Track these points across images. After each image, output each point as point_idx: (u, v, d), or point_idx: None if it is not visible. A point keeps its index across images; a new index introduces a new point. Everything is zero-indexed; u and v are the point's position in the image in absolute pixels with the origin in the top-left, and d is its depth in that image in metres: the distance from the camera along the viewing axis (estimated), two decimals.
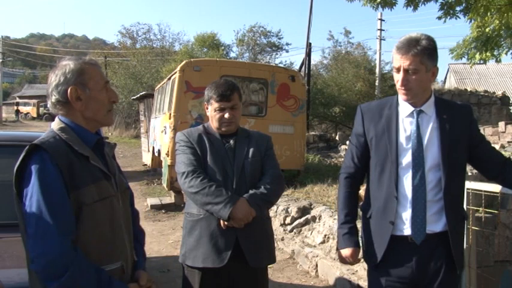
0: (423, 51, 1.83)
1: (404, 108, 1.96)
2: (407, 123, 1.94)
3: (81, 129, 1.52)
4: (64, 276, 1.31)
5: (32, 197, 1.35)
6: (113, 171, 1.59)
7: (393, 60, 1.91)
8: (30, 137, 2.13)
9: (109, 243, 1.49)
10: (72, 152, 1.44)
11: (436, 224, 1.89)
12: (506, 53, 6.22)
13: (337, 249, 2.11)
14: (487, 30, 5.67)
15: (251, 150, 2.28)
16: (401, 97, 1.95)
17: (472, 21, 5.76)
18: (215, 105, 2.23)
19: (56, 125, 1.52)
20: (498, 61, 6.46)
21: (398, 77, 1.88)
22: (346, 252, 2.03)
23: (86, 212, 1.41)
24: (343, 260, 2.08)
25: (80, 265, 1.35)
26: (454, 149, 1.89)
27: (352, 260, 2.05)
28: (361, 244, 2.09)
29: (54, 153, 1.39)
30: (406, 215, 1.90)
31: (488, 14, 5.29)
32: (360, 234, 2.11)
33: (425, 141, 1.90)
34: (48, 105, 1.56)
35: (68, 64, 1.51)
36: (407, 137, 1.92)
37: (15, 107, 40.38)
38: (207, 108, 2.30)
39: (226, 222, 2.11)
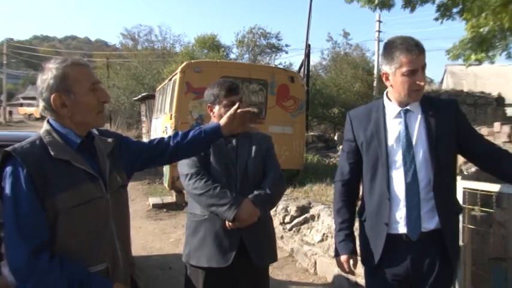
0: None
1: (391, 109, 1.96)
2: (395, 124, 1.94)
3: (66, 131, 1.47)
4: (29, 282, 1.32)
5: (6, 203, 1.36)
6: (103, 170, 1.52)
7: (405, 64, 1.83)
8: (22, 137, 2.08)
9: (91, 246, 1.44)
10: (49, 157, 1.39)
11: (430, 222, 1.89)
12: (500, 54, 6.21)
13: (335, 256, 2.11)
14: (480, 30, 5.66)
15: (253, 150, 2.28)
16: (414, 99, 1.90)
17: (467, 21, 5.75)
18: (225, 101, 2.19)
19: (43, 127, 1.50)
20: (492, 62, 6.45)
21: (415, 78, 1.84)
22: (342, 259, 2.04)
23: (63, 217, 1.38)
24: (340, 266, 2.09)
25: (43, 271, 1.33)
26: (441, 145, 1.88)
27: (346, 267, 2.05)
28: (358, 248, 2.09)
29: (25, 160, 1.36)
30: (400, 213, 1.90)
31: (483, 14, 5.28)
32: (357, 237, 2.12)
33: (414, 139, 1.90)
34: (39, 110, 1.53)
35: (51, 69, 1.45)
36: (397, 138, 1.92)
37: (20, 107, 40.44)
38: (212, 110, 2.26)
39: (231, 223, 2.12)
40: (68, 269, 1.37)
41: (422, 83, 1.85)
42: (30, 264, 1.32)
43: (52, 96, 1.43)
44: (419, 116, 1.92)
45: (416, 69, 1.84)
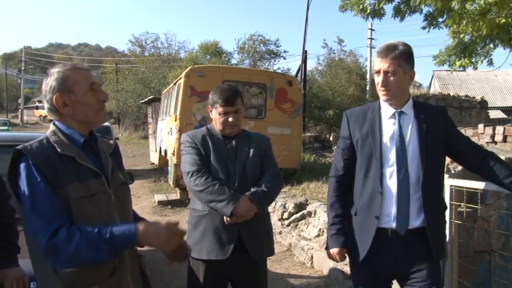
0: (400, 55, 1.85)
1: (386, 110, 1.97)
2: (390, 124, 1.94)
3: (70, 131, 1.50)
4: (60, 255, 1.34)
5: (23, 195, 1.39)
6: (106, 168, 1.54)
7: (374, 64, 1.92)
8: (31, 137, 2.08)
9: None
10: (56, 153, 1.43)
11: (417, 219, 1.88)
12: (482, 61, 6.19)
13: (326, 248, 2.10)
14: (461, 36, 5.67)
15: (251, 150, 2.27)
16: (381, 98, 1.95)
17: (449, 27, 5.75)
18: (220, 109, 2.21)
19: (49, 129, 1.54)
20: (475, 68, 6.44)
21: (378, 79, 1.90)
22: (333, 251, 2.03)
23: (74, 207, 1.40)
24: (331, 258, 2.08)
25: (65, 239, 1.34)
26: (431, 147, 1.89)
27: (339, 259, 2.04)
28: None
29: (33, 157, 1.40)
30: (391, 209, 1.88)
31: (464, 22, 5.29)
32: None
33: (406, 139, 1.90)
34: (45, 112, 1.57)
35: (53, 73, 1.50)
36: (391, 136, 1.92)
37: (35, 110, 40.46)
38: (211, 111, 2.28)
39: (229, 218, 2.10)
40: (86, 230, 1.36)
41: (380, 86, 1.88)
42: (54, 241, 1.34)
43: (54, 97, 1.47)
44: (412, 119, 1.93)
45: (378, 71, 1.87)
